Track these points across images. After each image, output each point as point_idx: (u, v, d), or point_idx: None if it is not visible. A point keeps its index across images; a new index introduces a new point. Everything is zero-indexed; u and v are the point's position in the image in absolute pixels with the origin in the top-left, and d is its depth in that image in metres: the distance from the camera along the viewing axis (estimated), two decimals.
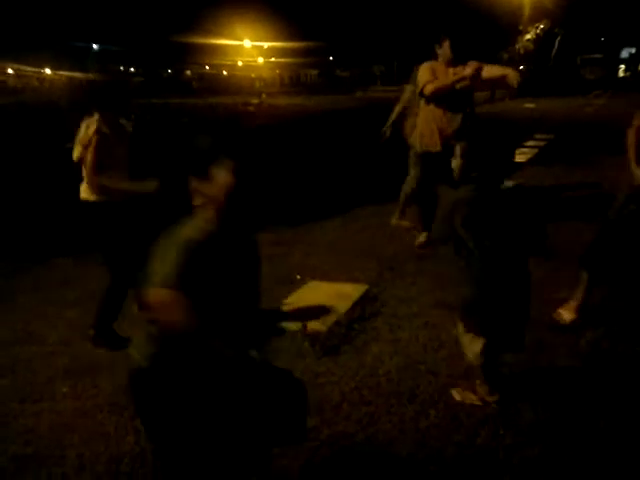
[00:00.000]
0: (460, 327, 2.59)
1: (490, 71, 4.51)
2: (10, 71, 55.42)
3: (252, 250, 1.93)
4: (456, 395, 2.67)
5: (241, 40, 47.60)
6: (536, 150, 10.12)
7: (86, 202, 3.28)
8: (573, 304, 3.40)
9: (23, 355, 3.32)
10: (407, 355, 3.05)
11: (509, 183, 2.50)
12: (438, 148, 4.57)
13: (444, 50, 4.63)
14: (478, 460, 2.32)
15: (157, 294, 1.63)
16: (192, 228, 1.72)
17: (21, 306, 4.03)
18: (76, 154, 3.25)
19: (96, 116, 3.23)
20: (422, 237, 4.94)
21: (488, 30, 29.14)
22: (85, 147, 3.20)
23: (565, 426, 2.50)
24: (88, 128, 3.22)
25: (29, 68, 50.27)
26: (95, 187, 3.22)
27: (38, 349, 3.38)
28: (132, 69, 58.71)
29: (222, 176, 1.74)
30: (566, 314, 3.38)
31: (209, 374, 1.73)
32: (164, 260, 1.65)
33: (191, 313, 1.62)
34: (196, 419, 1.75)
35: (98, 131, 3.17)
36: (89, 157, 3.18)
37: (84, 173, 3.25)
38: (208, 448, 1.78)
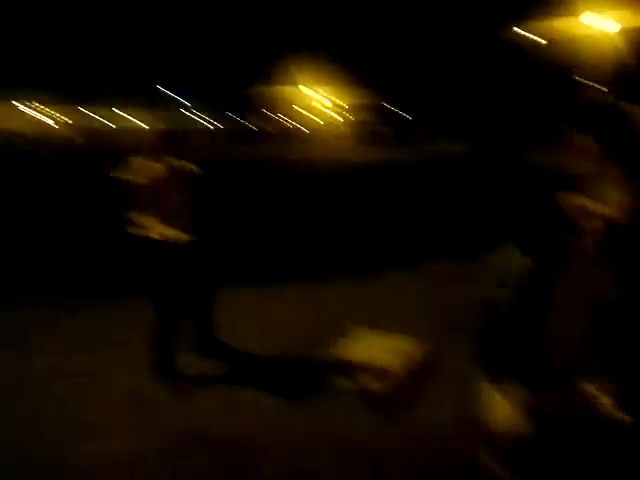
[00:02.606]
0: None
1: None
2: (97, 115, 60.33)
3: None
4: None
5: (314, 93, 49.39)
6: None
7: (148, 239, 3.50)
8: None
9: (80, 387, 3.43)
10: (467, 422, 2.87)
11: None
12: None
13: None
14: None
15: None
16: None
17: (83, 341, 4.18)
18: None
19: (160, 160, 3.51)
20: None
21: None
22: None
23: None
24: (146, 170, 3.50)
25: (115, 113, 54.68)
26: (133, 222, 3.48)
27: (95, 383, 3.49)
28: (204, 116, 62.48)
29: None
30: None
31: None
32: None
33: None
34: None
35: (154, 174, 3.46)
36: (139, 195, 3.44)
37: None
38: None
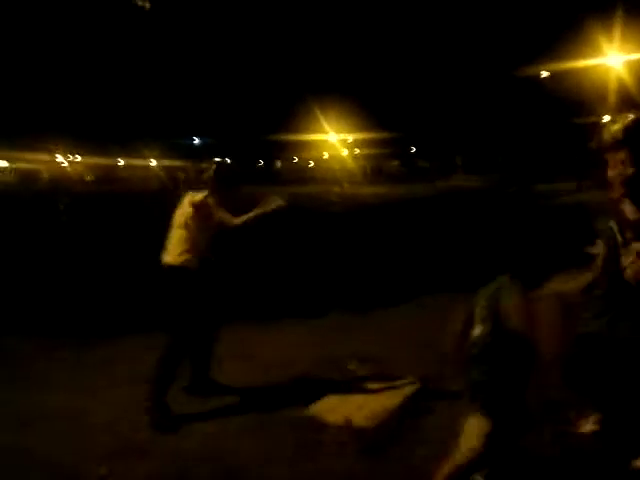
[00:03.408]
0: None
1: None
2: (121, 162, 62.17)
3: None
4: None
5: (327, 134, 50.27)
6: None
7: (170, 266, 3.53)
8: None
9: (67, 430, 3.34)
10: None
11: None
12: None
13: None
14: None
15: None
16: None
17: (77, 380, 4.12)
18: (179, 220, 3.59)
19: (205, 192, 3.59)
20: None
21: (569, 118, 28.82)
22: (196, 208, 3.53)
23: None
24: (194, 197, 3.58)
25: (136, 160, 56.36)
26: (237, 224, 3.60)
27: (83, 425, 3.40)
28: (228, 160, 63.88)
29: None
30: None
31: None
32: None
33: None
34: None
35: (206, 199, 3.55)
36: (214, 211, 3.55)
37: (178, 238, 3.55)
38: None
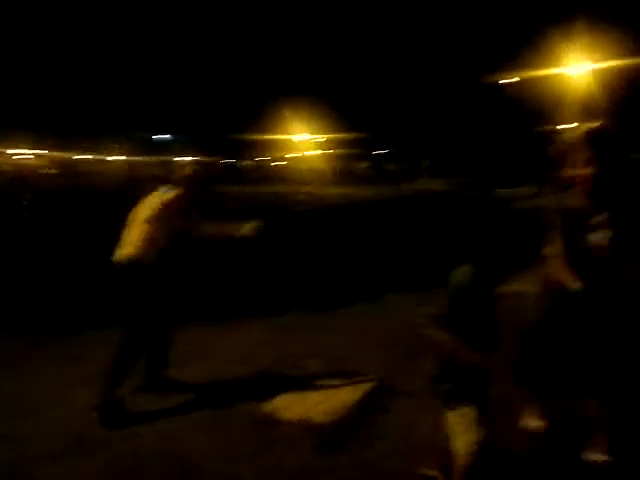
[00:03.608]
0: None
1: None
2: (85, 156, 60.60)
3: None
4: None
5: (296, 134, 50.25)
6: None
7: (124, 261, 3.46)
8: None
9: (21, 429, 3.27)
10: (411, 458, 2.76)
11: None
12: None
13: None
14: None
15: None
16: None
17: (36, 376, 4.03)
18: (145, 214, 3.54)
19: (175, 189, 3.60)
20: None
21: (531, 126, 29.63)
22: (164, 205, 3.52)
23: None
24: (164, 195, 3.57)
25: (92, 156, 55.28)
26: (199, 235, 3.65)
27: (37, 423, 3.32)
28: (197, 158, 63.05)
29: None
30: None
31: None
32: None
33: None
34: None
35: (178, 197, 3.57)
36: (183, 211, 3.54)
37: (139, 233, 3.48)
38: None
